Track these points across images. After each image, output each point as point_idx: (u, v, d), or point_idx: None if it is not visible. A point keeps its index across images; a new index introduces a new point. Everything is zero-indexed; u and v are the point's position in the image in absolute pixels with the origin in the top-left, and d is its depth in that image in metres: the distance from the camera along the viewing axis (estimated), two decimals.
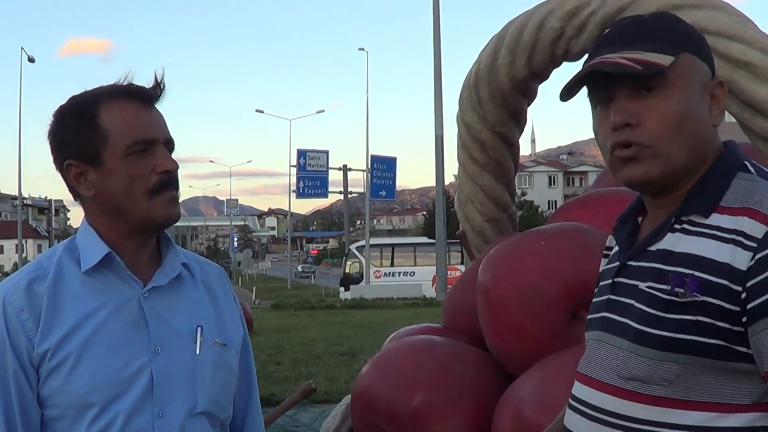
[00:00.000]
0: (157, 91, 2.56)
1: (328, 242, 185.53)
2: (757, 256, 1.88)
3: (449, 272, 49.58)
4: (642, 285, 2.04)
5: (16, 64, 54.99)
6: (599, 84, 2.08)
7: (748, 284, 1.88)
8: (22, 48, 55.13)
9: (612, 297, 2.15)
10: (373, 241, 57.37)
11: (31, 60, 54.92)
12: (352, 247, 57.36)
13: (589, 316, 2.26)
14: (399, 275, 53.28)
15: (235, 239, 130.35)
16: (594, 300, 2.27)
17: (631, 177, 2.07)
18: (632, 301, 2.05)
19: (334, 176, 65.00)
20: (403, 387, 4.06)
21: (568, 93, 2.16)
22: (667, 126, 2.02)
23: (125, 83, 2.53)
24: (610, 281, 2.17)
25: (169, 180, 2.48)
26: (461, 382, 4.03)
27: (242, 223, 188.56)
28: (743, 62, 3.67)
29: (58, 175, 2.56)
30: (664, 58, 2.02)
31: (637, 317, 2.02)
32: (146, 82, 2.55)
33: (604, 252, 2.42)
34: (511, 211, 5.25)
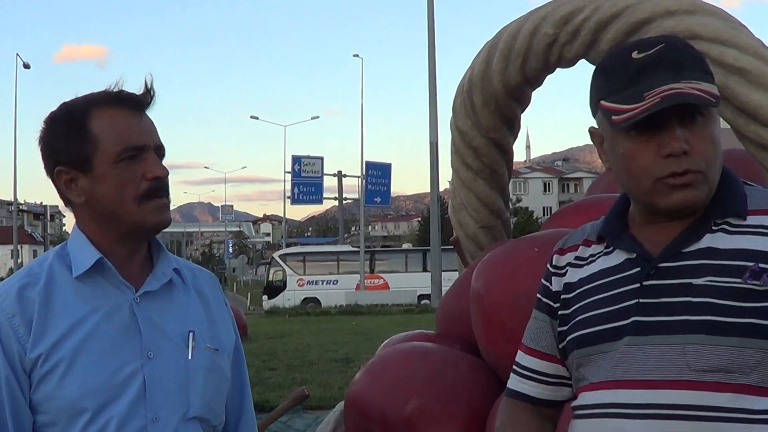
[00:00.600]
0: (147, 97, 2.56)
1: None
2: None
3: (368, 281, 49.78)
4: (698, 281, 2.08)
5: (12, 71, 54.90)
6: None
7: None
8: (17, 54, 55.14)
9: (644, 300, 2.14)
10: (295, 249, 57.39)
11: (26, 66, 54.91)
12: (276, 255, 57.27)
13: (593, 329, 2.24)
14: (322, 283, 53.36)
15: (230, 245, 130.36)
16: (592, 313, 2.25)
17: (683, 202, 2.12)
18: (688, 298, 2.07)
19: (329, 182, 65.15)
20: (397, 393, 4.05)
21: (635, 125, 2.14)
22: (712, 152, 2.11)
23: (116, 90, 2.53)
24: (637, 285, 2.17)
25: (159, 186, 2.48)
26: (455, 388, 4.02)
27: (237, 229, 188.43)
28: (737, 68, 3.67)
29: None
30: (714, 87, 2.11)
31: (706, 310, 2.05)
32: (138, 88, 2.56)
33: (554, 271, 2.44)
34: (505, 217, 5.25)
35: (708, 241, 2.12)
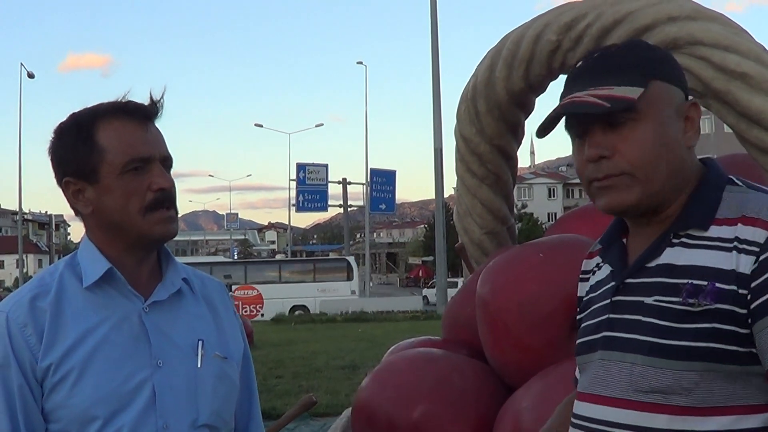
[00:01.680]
0: (154, 108, 2.57)
1: (328, 256, 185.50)
2: (759, 259, 1.96)
3: (241, 291, 49.58)
4: (648, 300, 2.08)
5: (17, 80, 54.96)
6: (573, 118, 2.17)
7: (752, 285, 1.96)
8: (21, 64, 55.22)
9: (612, 316, 2.18)
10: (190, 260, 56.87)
11: (30, 76, 55.00)
12: None
13: (582, 339, 2.31)
14: None
15: (236, 253, 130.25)
16: (586, 323, 2.32)
17: (610, 205, 2.15)
18: (639, 317, 2.09)
19: (334, 190, 64.94)
20: (404, 400, 4.06)
21: (543, 131, 2.24)
22: (643, 153, 2.10)
23: (124, 101, 2.55)
24: (609, 301, 2.21)
25: (164, 198, 2.50)
26: (461, 394, 4.03)
27: (242, 237, 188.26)
28: (739, 73, 3.68)
29: (59, 190, 2.58)
30: (632, 90, 2.10)
31: (649, 331, 2.06)
32: (146, 98, 2.57)
33: (581, 276, 2.50)
34: (510, 223, 5.26)
35: (667, 256, 2.12)
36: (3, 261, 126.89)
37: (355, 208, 68.93)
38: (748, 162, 4.26)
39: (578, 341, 2.33)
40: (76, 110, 2.57)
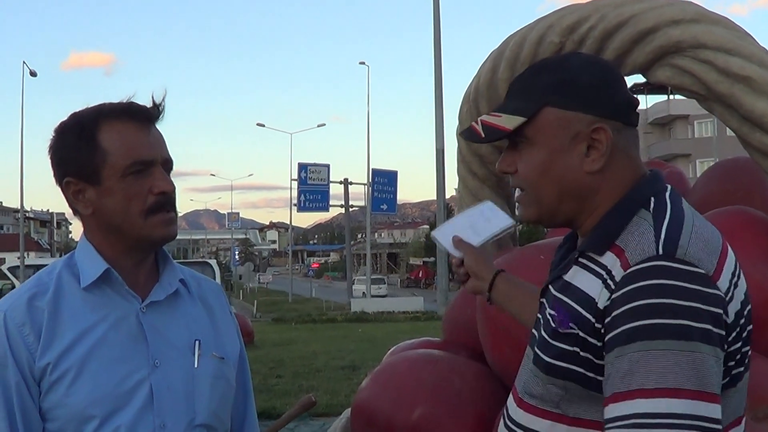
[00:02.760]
0: (156, 111, 2.57)
1: (329, 256, 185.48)
2: (613, 296, 1.98)
3: None
4: (548, 311, 2.17)
5: (19, 78, 54.98)
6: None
7: (606, 321, 1.98)
8: (23, 62, 55.24)
9: (537, 315, 2.28)
10: (29, 261, 56.33)
11: (32, 74, 54.96)
12: (3, 267, 55.85)
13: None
14: None
15: (237, 252, 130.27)
16: None
17: (521, 216, 2.29)
18: (541, 323, 2.20)
19: (335, 190, 65.01)
20: (403, 401, 4.06)
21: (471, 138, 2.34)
22: (531, 175, 2.19)
23: (126, 102, 2.55)
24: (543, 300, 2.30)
25: (165, 201, 2.50)
26: (461, 395, 4.03)
27: (243, 236, 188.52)
28: (742, 77, 3.68)
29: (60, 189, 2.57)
30: (512, 120, 2.18)
31: (536, 340, 2.19)
32: (148, 97, 2.57)
33: None
34: None
35: (570, 273, 2.17)
36: (4, 259, 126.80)
37: (357, 209, 69.01)
38: (750, 165, 4.25)
39: None
40: (78, 110, 2.57)
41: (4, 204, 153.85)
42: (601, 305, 2.00)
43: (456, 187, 5.47)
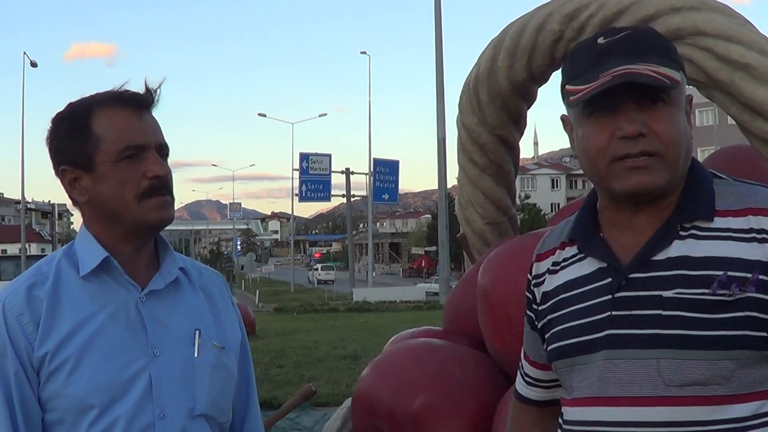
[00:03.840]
0: (150, 97, 2.57)
1: (331, 245, 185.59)
2: None
3: None
4: (668, 293, 2.05)
5: (20, 69, 54.94)
6: (601, 96, 2.09)
7: None
8: (24, 53, 55.19)
9: (617, 313, 2.12)
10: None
11: (33, 65, 54.94)
12: None
13: (573, 340, 2.23)
14: None
15: (239, 243, 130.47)
16: (569, 324, 2.24)
17: (640, 185, 2.09)
18: (658, 311, 2.06)
19: (337, 180, 65.23)
20: (404, 390, 4.05)
21: (589, 102, 2.14)
22: (673, 136, 2.09)
23: (120, 90, 2.55)
24: (609, 297, 2.14)
25: (159, 185, 2.49)
26: (462, 384, 4.02)
27: (245, 226, 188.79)
28: (742, 64, 3.67)
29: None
30: (675, 73, 2.10)
31: (677, 323, 2.03)
32: (144, 88, 2.57)
33: (551, 269, 2.39)
34: (511, 213, 5.24)
35: (678, 248, 2.10)
36: (6, 250, 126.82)
37: (358, 198, 69.20)
38: (751, 153, 4.24)
39: (562, 343, 2.25)
40: (74, 100, 2.57)
41: (5, 195, 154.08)
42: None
43: (457, 176, 5.46)
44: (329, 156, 63.94)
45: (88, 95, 2.57)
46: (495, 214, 5.09)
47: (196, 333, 2.57)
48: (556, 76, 4.44)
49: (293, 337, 25.57)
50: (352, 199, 66.47)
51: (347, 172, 63.73)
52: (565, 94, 2.21)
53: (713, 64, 3.75)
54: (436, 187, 32.83)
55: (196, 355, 2.54)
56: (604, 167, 2.13)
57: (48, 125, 2.56)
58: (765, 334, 2.01)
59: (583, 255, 2.27)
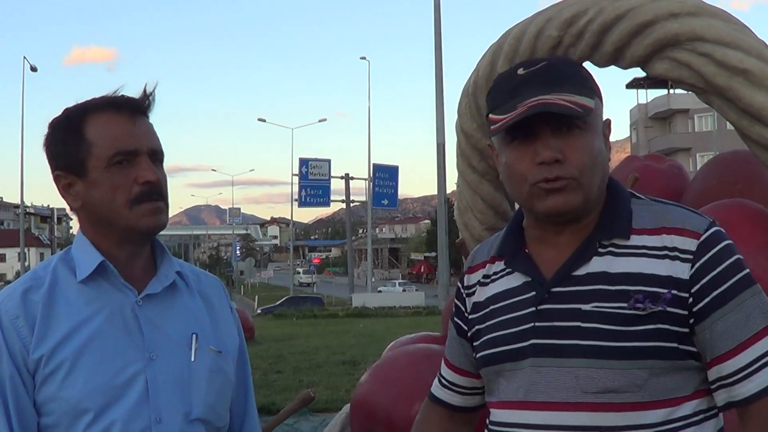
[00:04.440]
0: (145, 101, 2.57)
1: (330, 251, 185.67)
2: (696, 265, 2.20)
3: None
4: (586, 306, 2.22)
5: (20, 73, 55.04)
6: (519, 124, 2.25)
7: (693, 290, 2.19)
8: (24, 57, 55.26)
9: (540, 324, 2.27)
10: None
11: (33, 69, 55.03)
12: None
13: (500, 348, 2.37)
14: None
15: (238, 248, 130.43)
16: (496, 333, 2.39)
17: (556, 206, 2.26)
18: (577, 323, 2.22)
19: (336, 185, 65.28)
20: (402, 395, 4.06)
21: (509, 130, 2.30)
22: (587, 161, 2.26)
23: (114, 95, 2.55)
24: (533, 309, 2.30)
25: (151, 190, 2.49)
26: None
27: (244, 231, 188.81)
28: (741, 69, 3.67)
29: None
30: (589, 101, 2.27)
31: (593, 335, 2.19)
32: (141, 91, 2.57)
33: (482, 281, 2.54)
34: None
35: (597, 264, 2.26)
36: (5, 254, 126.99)
37: (358, 204, 69.17)
38: (749, 159, 4.24)
39: (492, 351, 2.39)
40: (69, 105, 2.58)
41: (4, 199, 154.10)
42: (682, 276, 2.19)
43: (456, 181, 5.46)
44: (329, 161, 64.01)
45: (83, 100, 2.57)
46: (494, 220, 5.09)
47: (193, 337, 2.57)
48: None
49: (292, 343, 25.57)
50: (351, 205, 66.49)
51: (347, 178, 63.77)
52: (488, 123, 2.37)
53: (712, 69, 3.75)
54: (436, 193, 32.83)
55: (192, 359, 2.54)
56: (525, 190, 2.29)
57: (45, 130, 2.57)
58: (675, 345, 2.17)
59: (510, 270, 2.43)
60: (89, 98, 2.57)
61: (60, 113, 2.56)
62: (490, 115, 2.35)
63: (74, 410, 2.36)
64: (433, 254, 76.46)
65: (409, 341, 4.87)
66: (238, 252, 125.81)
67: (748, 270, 2.24)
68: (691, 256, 2.20)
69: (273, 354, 21.83)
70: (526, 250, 2.41)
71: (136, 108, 2.55)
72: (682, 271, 2.20)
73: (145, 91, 2.58)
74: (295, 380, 17.02)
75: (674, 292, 2.18)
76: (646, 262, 2.22)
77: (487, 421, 2.44)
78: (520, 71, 2.34)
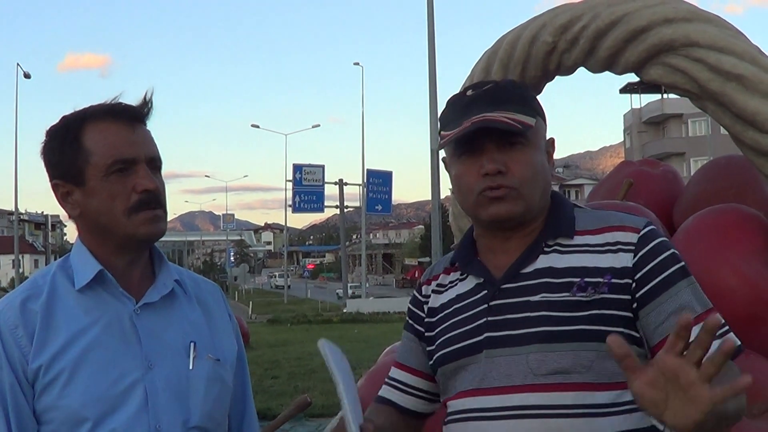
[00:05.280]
0: (143, 109, 2.57)
1: (324, 257, 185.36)
2: (638, 254, 2.41)
3: None
4: (534, 298, 2.42)
5: (14, 80, 54.94)
6: (466, 139, 2.48)
7: (636, 276, 2.39)
8: (18, 64, 55.18)
9: (492, 318, 2.46)
10: None
11: (26, 76, 54.93)
12: None
13: (458, 345, 2.53)
14: None
15: (232, 254, 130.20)
16: (453, 333, 2.56)
17: (499, 213, 2.47)
18: (526, 314, 2.41)
19: (330, 191, 65.05)
20: None
21: (445, 144, 2.55)
22: (528, 173, 2.48)
23: (111, 102, 2.55)
24: (485, 306, 2.49)
25: (149, 198, 2.49)
26: None
27: (238, 237, 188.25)
28: (734, 75, 3.68)
29: None
30: (530, 118, 2.49)
31: (543, 322, 2.38)
32: (138, 99, 2.57)
33: (435, 289, 2.74)
34: None
35: (543, 261, 2.48)
36: None
37: (352, 209, 68.95)
38: (744, 163, 4.26)
39: (448, 349, 2.56)
40: (67, 113, 2.57)
41: None
42: (625, 264, 2.40)
43: (450, 187, 5.47)
44: (322, 167, 63.87)
45: (81, 108, 2.57)
46: None
47: (191, 345, 2.57)
48: (550, 87, 4.46)
49: (287, 349, 25.56)
50: (345, 210, 66.35)
51: (340, 183, 63.64)
52: (440, 138, 2.57)
53: (705, 74, 3.76)
54: (430, 198, 32.79)
55: (191, 367, 2.54)
56: (472, 199, 2.51)
57: (42, 138, 2.56)
58: (619, 329, 2.33)
59: (464, 276, 2.63)
60: (87, 106, 2.57)
61: (57, 121, 2.56)
62: (441, 132, 2.58)
63: (73, 419, 2.36)
64: (427, 259, 76.44)
65: None
66: (232, 258, 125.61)
67: (684, 262, 2.44)
68: (633, 247, 2.42)
69: (268, 360, 21.84)
70: (478, 258, 2.61)
71: (135, 116, 2.55)
72: (625, 260, 2.41)
73: (144, 98, 2.58)
74: (290, 386, 17.03)
75: (614, 280, 2.38)
76: (589, 257, 2.44)
77: (445, 418, 2.60)
78: (469, 93, 2.56)
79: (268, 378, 18.27)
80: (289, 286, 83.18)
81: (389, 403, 2.84)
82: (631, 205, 4.24)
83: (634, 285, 2.39)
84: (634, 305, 2.39)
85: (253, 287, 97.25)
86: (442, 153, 2.69)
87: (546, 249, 2.50)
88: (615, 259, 2.42)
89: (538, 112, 2.56)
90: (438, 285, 2.73)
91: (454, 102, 2.62)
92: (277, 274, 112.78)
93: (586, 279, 2.39)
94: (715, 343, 1.96)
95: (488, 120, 2.43)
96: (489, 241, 2.60)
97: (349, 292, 64.07)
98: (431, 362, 2.65)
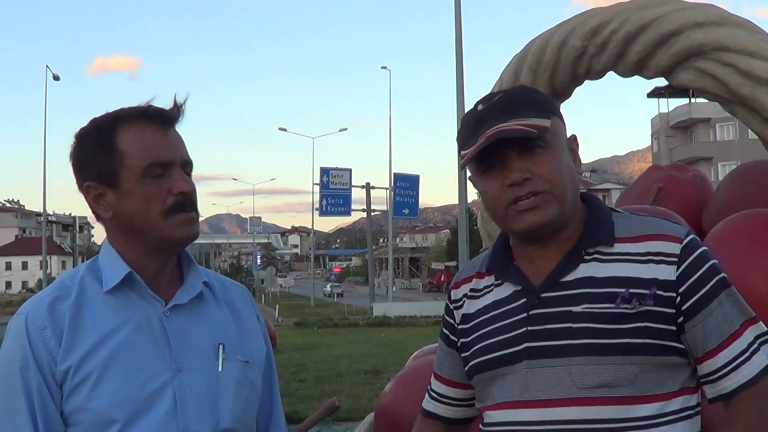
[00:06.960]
0: (175, 113, 2.58)
1: (351, 260, 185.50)
2: (681, 267, 2.36)
3: None
4: (576, 308, 2.36)
5: (42, 82, 55.26)
6: (486, 153, 2.42)
7: (681, 290, 2.34)
8: (47, 66, 55.49)
9: (532, 328, 2.41)
10: None
11: (56, 78, 55.23)
12: None
13: (495, 354, 2.48)
14: None
15: (258, 257, 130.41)
16: (489, 341, 2.51)
17: (533, 223, 2.41)
18: (568, 324, 2.35)
19: (357, 194, 65.21)
20: None
21: (467, 163, 2.50)
22: (555, 174, 2.42)
23: (144, 105, 2.56)
24: (524, 315, 2.43)
25: (185, 201, 2.50)
26: None
27: (265, 240, 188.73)
28: (765, 79, 3.66)
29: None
30: (544, 120, 2.42)
31: (586, 334, 2.33)
32: (169, 102, 2.58)
33: (470, 294, 2.67)
34: None
35: (583, 270, 2.41)
36: (27, 262, 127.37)
37: (379, 213, 69.04)
38: None
39: (486, 357, 2.50)
40: (97, 115, 2.58)
41: (26, 207, 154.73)
42: (668, 277, 2.34)
43: (478, 191, 5.46)
44: (350, 171, 63.97)
45: (111, 110, 2.57)
46: None
47: (220, 347, 2.57)
48: (579, 92, 4.45)
49: (314, 352, 25.58)
50: (372, 214, 66.39)
51: (367, 187, 63.70)
52: (461, 158, 2.52)
53: (736, 79, 3.75)
54: (457, 202, 32.72)
55: (220, 370, 2.54)
56: (502, 212, 2.46)
57: (71, 140, 2.56)
58: (663, 342, 2.32)
59: (500, 282, 2.57)
60: (117, 108, 2.57)
61: (87, 123, 2.56)
62: (461, 152, 2.52)
63: (102, 421, 2.36)
64: (454, 263, 76.37)
65: (433, 350, 4.86)
66: (258, 261, 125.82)
67: (724, 273, 2.40)
68: (676, 259, 2.36)
69: (295, 363, 21.86)
70: (515, 264, 2.55)
71: (167, 119, 2.55)
72: (668, 273, 2.35)
73: (175, 101, 2.58)
74: (317, 389, 17.03)
75: (658, 291, 2.33)
76: (631, 267, 2.37)
77: (480, 426, 2.57)
78: (480, 107, 2.52)
79: (295, 381, 18.29)
80: (341, 294, 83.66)
81: (435, 417, 2.83)
82: (662, 210, 4.23)
83: (678, 299, 2.34)
84: (680, 319, 2.34)
85: (279, 290, 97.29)
86: (467, 172, 2.65)
87: (586, 257, 2.43)
88: (658, 271, 2.35)
89: (553, 112, 2.50)
90: (472, 290, 2.66)
91: (467, 119, 2.56)
92: (329, 285, 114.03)
93: (631, 290, 2.33)
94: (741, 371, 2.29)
95: (503, 131, 2.39)
96: (525, 250, 2.53)
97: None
98: (466, 368, 2.61)
